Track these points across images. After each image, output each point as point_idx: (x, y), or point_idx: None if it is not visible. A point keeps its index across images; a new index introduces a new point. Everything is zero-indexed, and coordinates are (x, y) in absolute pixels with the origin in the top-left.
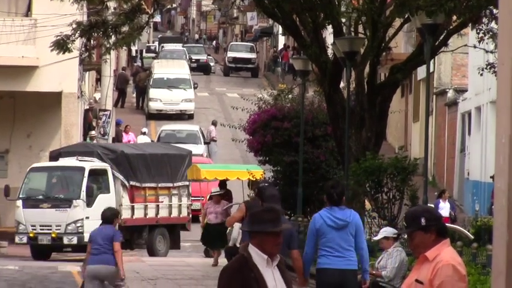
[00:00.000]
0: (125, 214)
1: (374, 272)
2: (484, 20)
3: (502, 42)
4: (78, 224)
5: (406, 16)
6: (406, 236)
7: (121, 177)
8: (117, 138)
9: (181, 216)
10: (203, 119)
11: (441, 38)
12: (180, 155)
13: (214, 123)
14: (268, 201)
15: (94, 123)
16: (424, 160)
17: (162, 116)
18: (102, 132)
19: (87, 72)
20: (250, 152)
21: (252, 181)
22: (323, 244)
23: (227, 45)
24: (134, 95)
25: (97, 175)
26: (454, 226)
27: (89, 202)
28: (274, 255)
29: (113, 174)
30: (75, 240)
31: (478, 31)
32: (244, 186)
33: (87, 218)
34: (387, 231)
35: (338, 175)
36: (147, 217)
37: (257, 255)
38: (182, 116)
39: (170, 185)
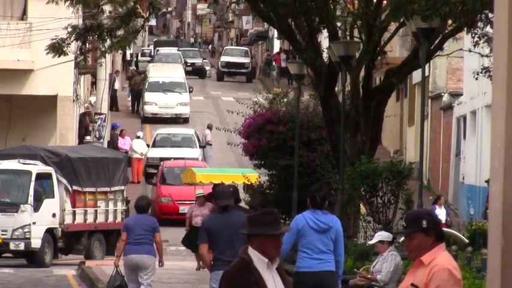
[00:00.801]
0: (67, 219)
1: (369, 276)
2: (479, 24)
3: (497, 46)
4: (26, 230)
5: (402, 20)
6: (401, 240)
7: (65, 181)
8: (113, 142)
9: (116, 221)
10: (198, 122)
11: (436, 42)
12: (117, 158)
13: (209, 127)
14: (220, 199)
15: (90, 128)
16: (419, 164)
17: (157, 120)
18: (97, 136)
19: (83, 76)
20: (245, 155)
21: (247, 185)
22: (303, 245)
23: (221, 50)
24: (129, 98)
25: (42, 179)
26: (449, 230)
27: (36, 207)
28: (275, 258)
29: (57, 178)
30: (22, 246)
31: (473, 35)
32: (240, 190)
33: (34, 223)
34: (382, 235)
35: (333, 179)
36: (87, 222)
37: (257, 259)
38: (177, 120)
39: (108, 189)
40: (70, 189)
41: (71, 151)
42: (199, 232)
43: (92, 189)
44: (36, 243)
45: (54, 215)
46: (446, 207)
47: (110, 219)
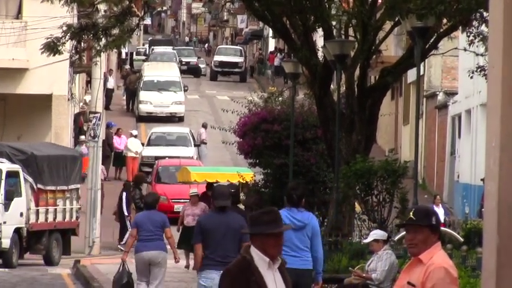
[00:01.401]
0: (32, 218)
1: (364, 274)
2: (475, 23)
3: (493, 45)
4: None
5: (397, 19)
6: (396, 238)
7: (30, 179)
8: (107, 141)
9: (72, 220)
10: (193, 121)
11: (431, 41)
12: (74, 156)
13: (204, 126)
14: (217, 199)
15: (85, 127)
16: (414, 163)
17: (152, 119)
18: (92, 135)
19: (78, 75)
20: (240, 154)
21: (242, 184)
22: None
23: (215, 49)
24: (124, 97)
25: (11, 177)
26: (444, 229)
27: (6, 206)
28: (276, 257)
29: (23, 177)
30: None
31: (468, 34)
32: None
33: (4, 223)
34: (377, 233)
35: (328, 178)
36: (48, 221)
37: (259, 258)
38: (172, 119)
39: (66, 187)
40: (35, 187)
41: (35, 149)
42: (194, 231)
43: (53, 188)
44: (5, 243)
45: (21, 214)
46: (444, 206)
47: (67, 218)
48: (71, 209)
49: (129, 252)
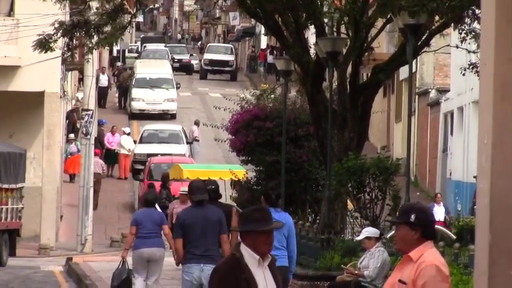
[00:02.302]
0: None
1: (356, 272)
2: (467, 20)
3: (485, 42)
4: None
5: (389, 16)
6: (388, 236)
7: None
8: (99, 138)
9: (17, 220)
10: (185, 118)
11: (423, 38)
12: (20, 154)
13: (196, 123)
14: (194, 194)
15: (78, 125)
16: (407, 160)
17: (144, 116)
18: (84, 132)
19: (70, 72)
20: (232, 151)
21: (234, 181)
22: None
23: (204, 47)
24: (117, 95)
25: None
26: (437, 226)
27: None
28: (266, 255)
29: None
30: None
31: (461, 31)
32: (227, 187)
33: None
34: (369, 231)
35: (320, 175)
36: (2, 221)
37: (249, 256)
38: (164, 116)
39: (14, 186)
40: None
41: None
42: (173, 227)
43: (6, 186)
44: None
45: None
46: (445, 205)
47: (15, 218)
48: (17, 208)
49: (128, 250)
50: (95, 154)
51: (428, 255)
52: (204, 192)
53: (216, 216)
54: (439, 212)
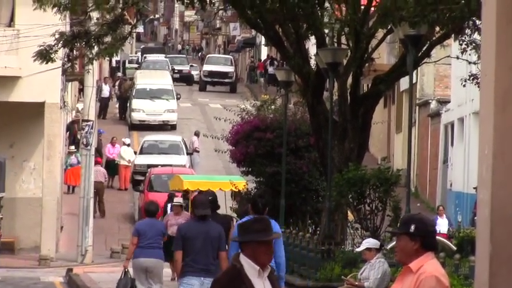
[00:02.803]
0: None
1: (356, 283)
2: (467, 31)
3: (485, 53)
4: None
5: (389, 27)
6: (389, 247)
7: None
8: (97, 148)
9: None
10: (186, 129)
11: (424, 49)
12: (1, 163)
13: (196, 134)
14: (198, 208)
15: (79, 136)
16: (407, 171)
17: (144, 127)
18: (84, 143)
19: (70, 83)
20: (233, 162)
21: (234, 192)
22: None
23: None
24: (117, 105)
25: None
26: (437, 237)
27: None
28: (266, 265)
29: None
30: None
31: (461, 42)
32: (227, 198)
33: None
34: (370, 242)
35: (321, 186)
36: None
37: (249, 266)
38: (165, 127)
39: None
40: None
41: None
42: (174, 239)
43: None
44: None
45: None
46: (448, 217)
47: None
48: (1, 218)
49: (130, 260)
50: (97, 163)
51: (428, 266)
52: (207, 207)
53: (217, 232)
54: (442, 224)
